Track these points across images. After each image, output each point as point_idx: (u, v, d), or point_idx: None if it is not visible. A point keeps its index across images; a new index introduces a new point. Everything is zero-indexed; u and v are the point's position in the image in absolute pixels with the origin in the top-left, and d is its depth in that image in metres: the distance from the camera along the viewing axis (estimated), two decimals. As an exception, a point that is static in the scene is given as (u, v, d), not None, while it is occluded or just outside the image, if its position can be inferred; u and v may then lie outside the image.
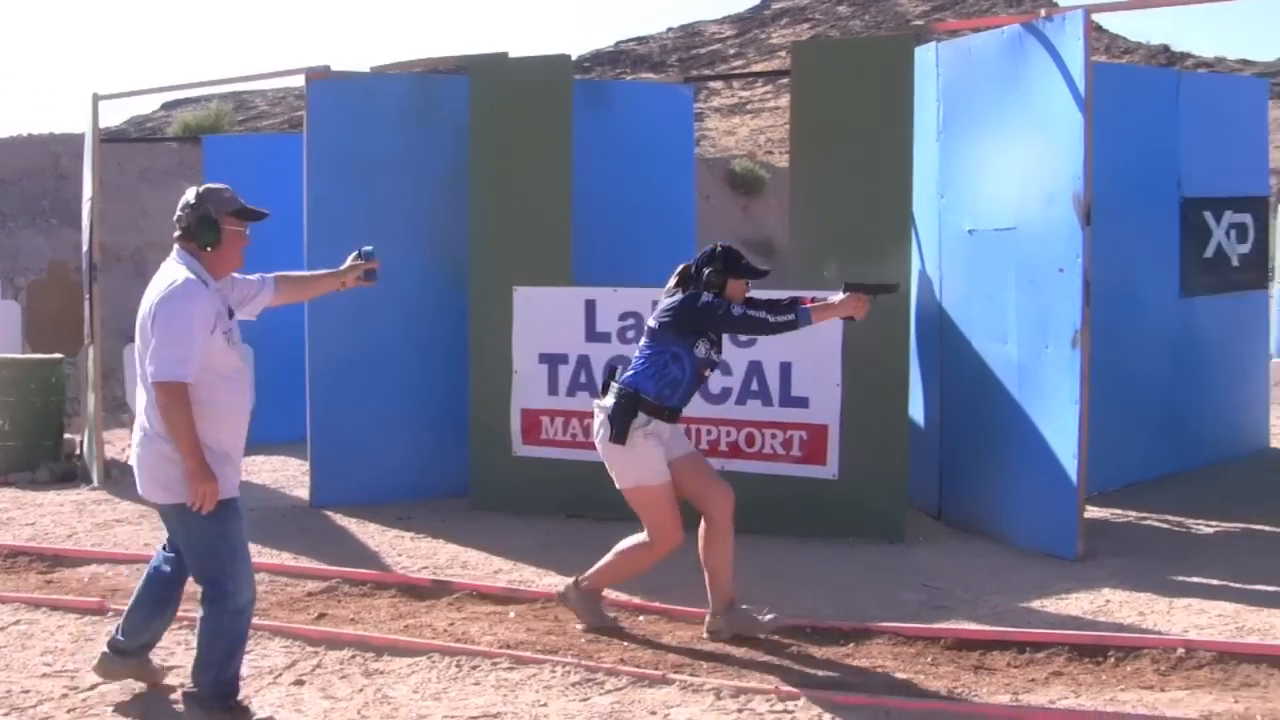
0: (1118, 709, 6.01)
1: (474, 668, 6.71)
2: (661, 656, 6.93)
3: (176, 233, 5.93)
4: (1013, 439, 9.11)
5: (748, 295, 7.19)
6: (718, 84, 49.63)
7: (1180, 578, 8.11)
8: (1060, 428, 8.64)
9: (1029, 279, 8.82)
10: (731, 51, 58.55)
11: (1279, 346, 18.39)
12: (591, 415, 9.79)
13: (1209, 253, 11.30)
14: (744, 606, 7.29)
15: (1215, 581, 8.04)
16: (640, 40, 61.16)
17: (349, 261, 6.63)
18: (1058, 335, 8.58)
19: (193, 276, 5.77)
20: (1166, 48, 54.32)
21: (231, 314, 6.01)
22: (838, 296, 7.11)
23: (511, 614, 7.76)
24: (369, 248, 6.65)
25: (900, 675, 6.61)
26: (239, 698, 5.95)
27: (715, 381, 9.41)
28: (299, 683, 6.53)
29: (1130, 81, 11.89)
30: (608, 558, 7.41)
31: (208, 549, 5.86)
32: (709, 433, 9.54)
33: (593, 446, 9.83)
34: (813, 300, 7.16)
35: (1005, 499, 9.22)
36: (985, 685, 6.44)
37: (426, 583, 8.34)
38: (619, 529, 9.42)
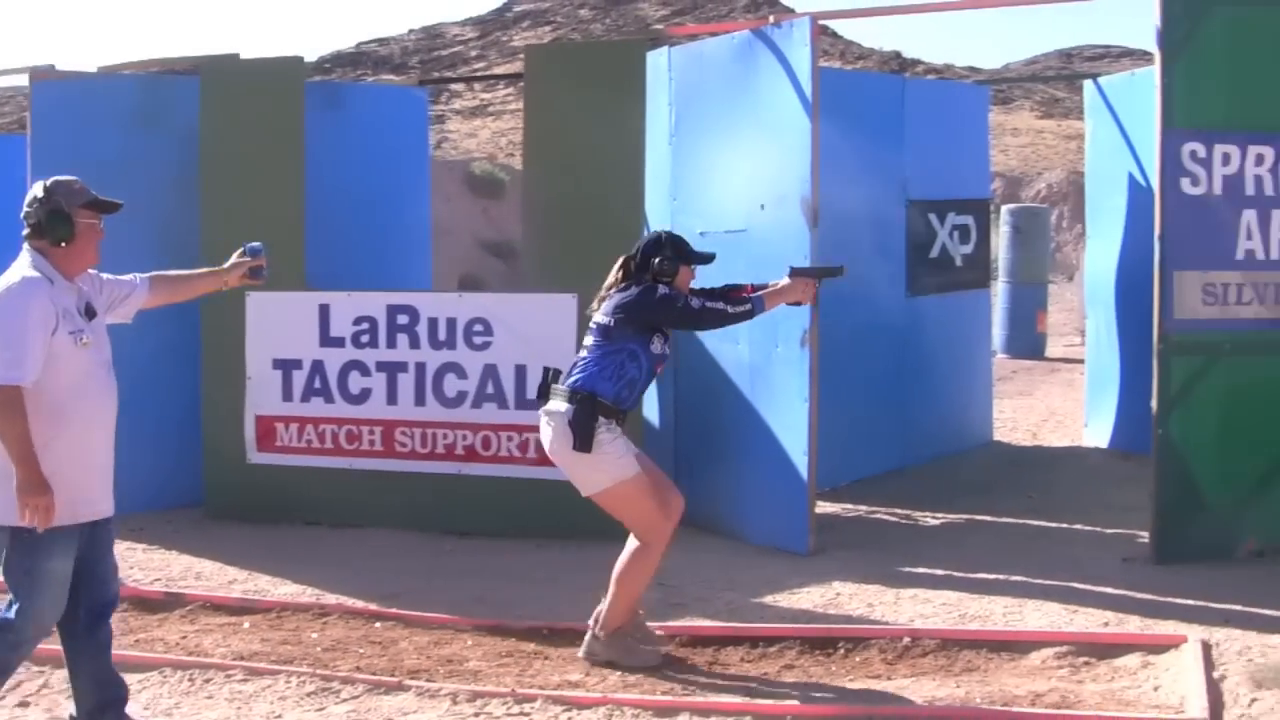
0: (849, 701, 6.16)
1: (207, 681, 6.60)
2: (398, 663, 6.87)
3: (25, 230, 5.51)
4: (745, 438, 9.27)
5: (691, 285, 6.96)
6: (460, 86, 49.40)
7: (907, 569, 8.34)
8: (791, 426, 8.81)
9: (760, 280, 8.93)
10: (474, 53, 58.29)
11: (1002, 343, 19.09)
12: (328, 421, 9.78)
13: (934, 253, 11.60)
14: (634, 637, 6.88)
15: (940, 571, 8.29)
16: (381, 42, 60.53)
17: (234, 259, 6.22)
18: (787, 335, 8.74)
19: (34, 274, 5.37)
20: (898, 54, 55.58)
21: (93, 314, 5.55)
22: (783, 281, 7.05)
23: (246, 625, 7.64)
24: (256, 244, 6.26)
25: (634, 674, 6.65)
26: None
27: (451, 384, 9.44)
28: (24, 704, 6.35)
29: (857, 87, 12.20)
30: (612, 590, 6.82)
31: (8, 575, 5.36)
32: (445, 436, 9.51)
33: (331, 453, 9.78)
34: (753, 288, 7.03)
35: (739, 497, 9.37)
36: (718, 681, 6.54)
37: (159, 595, 8.17)
38: (356, 536, 9.43)
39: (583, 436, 6.53)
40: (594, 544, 9.01)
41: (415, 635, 7.39)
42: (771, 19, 8.94)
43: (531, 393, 9.18)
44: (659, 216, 9.94)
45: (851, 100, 10.45)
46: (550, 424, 6.71)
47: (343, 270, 10.24)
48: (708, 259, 7.01)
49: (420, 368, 9.56)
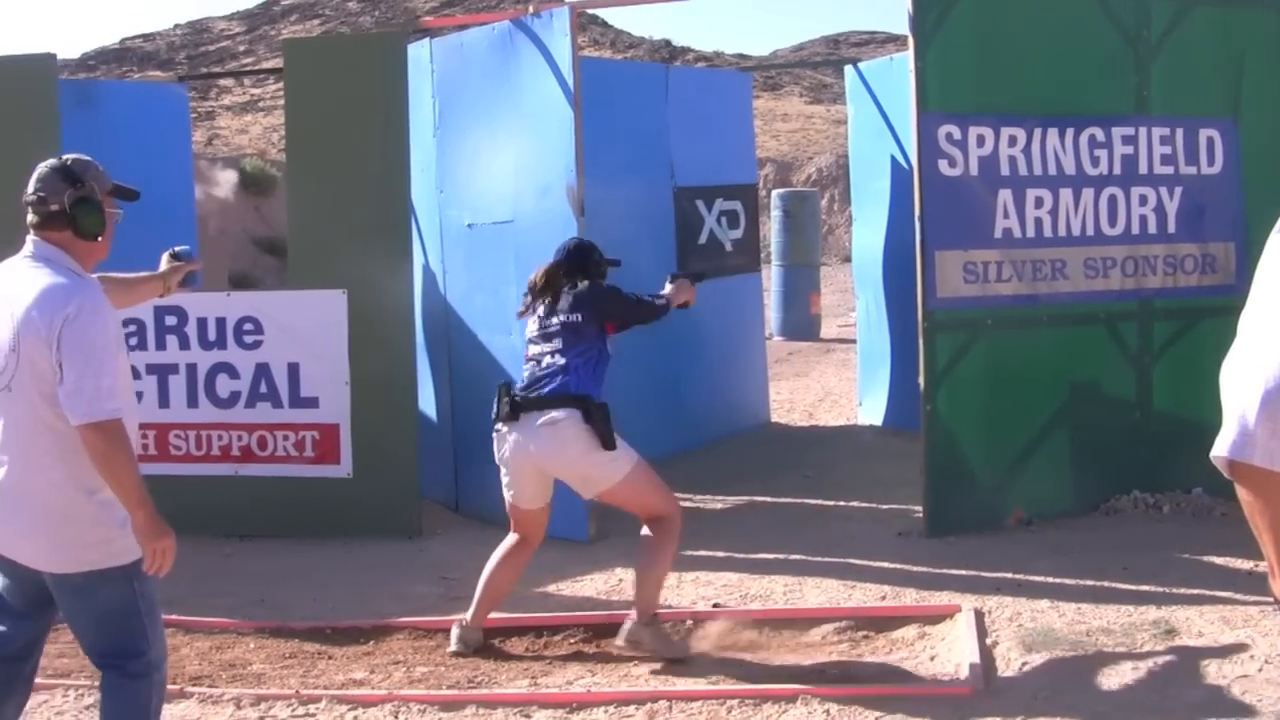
0: (631, 685, 6.22)
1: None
2: (180, 670, 6.69)
3: (33, 218, 4.67)
4: (521, 428, 9.24)
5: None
6: (229, 82, 48.63)
7: (688, 552, 8.38)
8: (566, 414, 8.81)
9: (527, 271, 8.96)
10: (241, 48, 57.43)
11: (778, 326, 19.36)
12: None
13: (703, 239, 11.67)
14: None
15: (721, 553, 8.39)
16: (146, 37, 59.31)
17: (165, 264, 5.62)
18: (559, 324, 8.75)
19: (87, 280, 4.60)
20: (668, 43, 56.15)
21: None
22: (669, 287, 7.22)
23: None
24: (184, 247, 5.75)
25: (421, 669, 6.65)
26: None
27: (224, 385, 9.28)
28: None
29: (621, 76, 12.28)
30: (641, 577, 6.69)
31: (130, 612, 4.62)
32: (220, 438, 9.35)
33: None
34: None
35: (518, 487, 9.34)
36: (504, 672, 6.56)
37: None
38: None
39: (608, 434, 6.43)
40: (376, 539, 9.01)
41: (196, 641, 7.26)
42: (531, 8, 8.93)
43: (306, 391, 9.14)
44: (425, 209, 9.92)
45: (615, 89, 10.50)
46: (558, 431, 6.45)
47: (103, 269, 9.95)
48: (617, 263, 7.18)
49: (191, 369, 9.38)
